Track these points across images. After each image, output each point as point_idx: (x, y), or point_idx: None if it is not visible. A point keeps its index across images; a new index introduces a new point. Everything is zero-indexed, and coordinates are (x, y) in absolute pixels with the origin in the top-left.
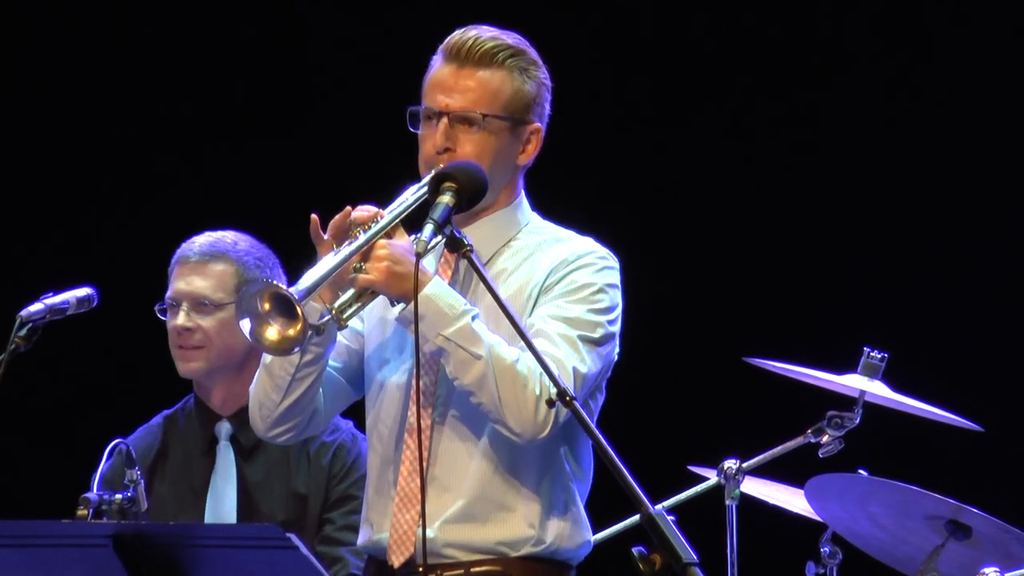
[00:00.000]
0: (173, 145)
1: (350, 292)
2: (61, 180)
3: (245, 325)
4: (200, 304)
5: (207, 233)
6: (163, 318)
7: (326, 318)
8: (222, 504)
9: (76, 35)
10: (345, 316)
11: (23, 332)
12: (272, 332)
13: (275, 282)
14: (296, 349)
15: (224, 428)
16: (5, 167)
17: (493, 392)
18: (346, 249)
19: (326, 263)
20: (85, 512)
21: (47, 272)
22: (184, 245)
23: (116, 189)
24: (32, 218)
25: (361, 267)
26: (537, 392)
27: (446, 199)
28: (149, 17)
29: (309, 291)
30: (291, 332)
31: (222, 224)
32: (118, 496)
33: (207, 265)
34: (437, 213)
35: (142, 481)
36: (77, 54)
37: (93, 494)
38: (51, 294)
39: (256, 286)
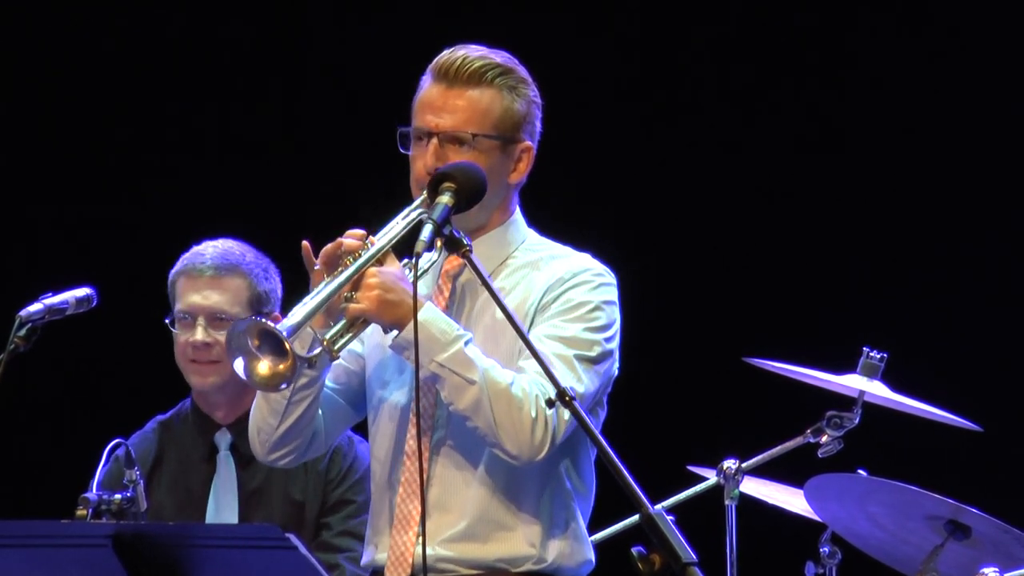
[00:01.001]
0: (173, 145)
1: (342, 322)
2: (61, 180)
3: (238, 365)
4: (217, 319)
5: (208, 244)
6: (174, 331)
7: (317, 350)
8: (224, 514)
9: (77, 35)
10: (337, 347)
11: (22, 332)
12: (263, 368)
13: (263, 320)
14: (285, 386)
15: (225, 438)
16: (5, 167)
17: (488, 416)
18: (336, 280)
19: (315, 296)
20: (84, 512)
21: (47, 272)
22: (190, 258)
23: (116, 189)
24: (32, 218)
25: (352, 296)
26: (533, 414)
27: (445, 199)
28: (150, 18)
29: (297, 327)
30: (281, 368)
31: (221, 224)
32: (117, 496)
33: (222, 279)
34: (436, 213)
35: (141, 481)
36: (78, 54)
37: (92, 494)
38: (50, 294)
39: (244, 324)
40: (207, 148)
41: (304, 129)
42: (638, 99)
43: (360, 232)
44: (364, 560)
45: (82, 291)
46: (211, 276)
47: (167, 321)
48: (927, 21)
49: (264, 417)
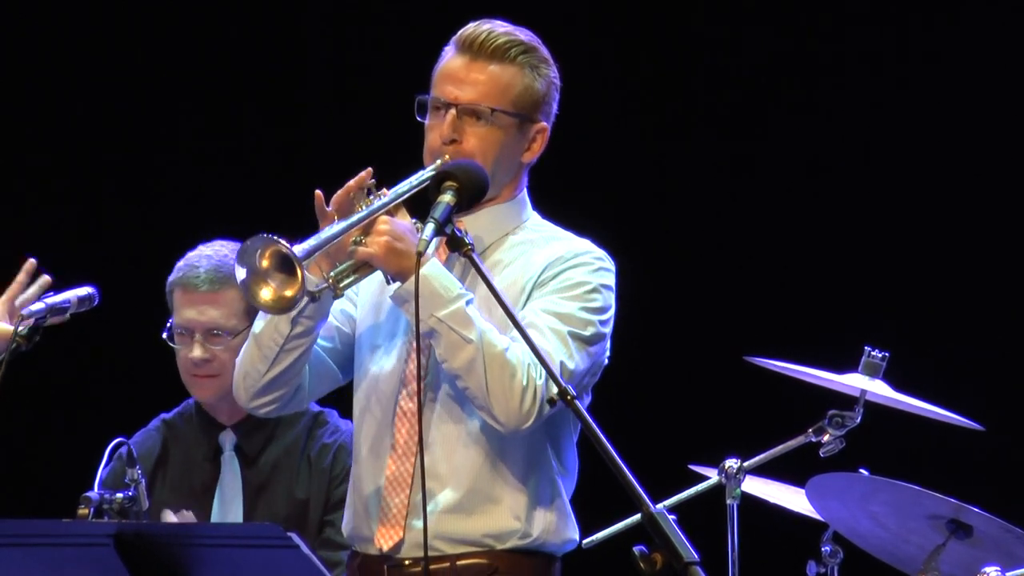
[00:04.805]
0: (174, 143)
1: (348, 262)
2: (61, 179)
3: (240, 273)
4: (214, 334)
5: (203, 252)
6: (172, 345)
7: (323, 286)
8: (229, 513)
9: (77, 34)
10: (342, 285)
11: (24, 331)
12: (267, 291)
13: (277, 239)
14: (290, 310)
15: (229, 438)
16: (5, 167)
17: (481, 378)
18: (349, 219)
19: (328, 230)
20: (86, 511)
21: (47, 271)
22: (185, 268)
23: (117, 188)
24: (32, 217)
25: (361, 240)
26: (524, 383)
27: (447, 198)
28: (150, 15)
29: (310, 252)
30: (288, 292)
31: (221, 223)
32: (119, 495)
33: (218, 293)
34: (438, 212)
35: (143, 480)
36: (78, 53)
37: (94, 493)
38: (52, 293)
39: (258, 241)
40: (209, 146)
41: (305, 126)
42: (644, 93)
43: (361, 176)
44: (345, 526)
45: (84, 290)
46: (206, 291)
47: (164, 336)
48: (919, 26)
49: (253, 362)
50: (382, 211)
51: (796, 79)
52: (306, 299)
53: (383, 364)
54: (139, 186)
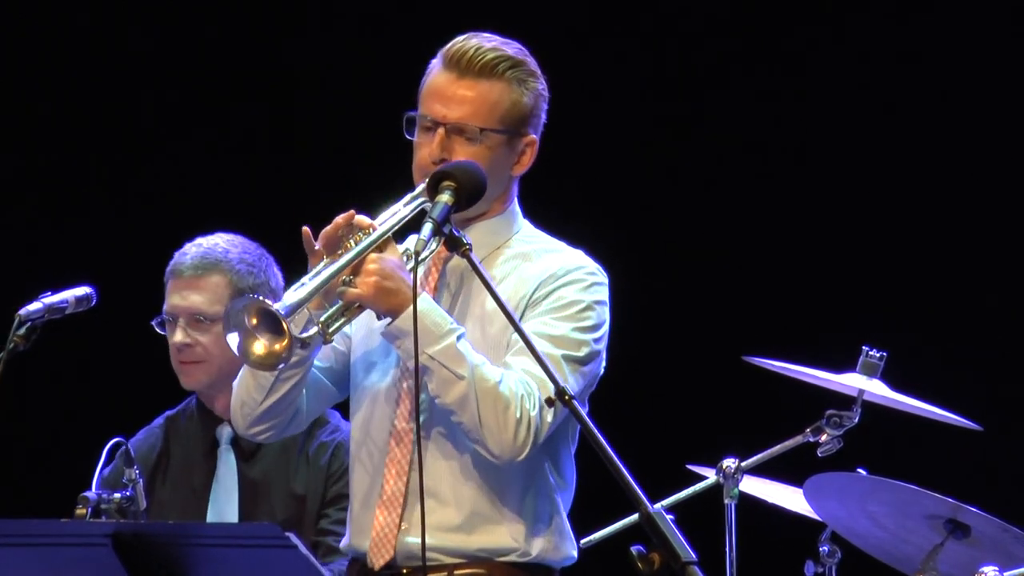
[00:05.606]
0: (173, 143)
1: (337, 305)
2: (60, 178)
3: (233, 339)
4: (196, 320)
5: (198, 241)
6: (161, 332)
7: (312, 331)
8: (224, 507)
9: (76, 35)
10: (332, 330)
11: (22, 331)
12: (259, 347)
13: (261, 298)
14: (281, 365)
15: (225, 432)
16: (4, 166)
17: (474, 413)
18: (336, 263)
19: (315, 277)
20: (84, 511)
21: (47, 271)
22: (176, 256)
23: (116, 187)
24: (31, 217)
25: (350, 280)
26: (518, 415)
27: (445, 198)
28: (149, 17)
29: (295, 307)
30: (277, 347)
31: (221, 222)
32: (117, 495)
33: (201, 279)
34: (436, 212)
35: (141, 480)
36: (76, 54)
37: (92, 493)
38: (49, 293)
39: (243, 302)
40: (208, 144)
41: (305, 127)
42: (640, 95)
43: (350, 213)
44: (344, 543)
45: (81, 290)
46: (190, 276)
47: (154, 324)
48: (915, 27)
49: (249, 391)
50: (370, 249)
51: (794, 79)
52: (297, 347)
53: (377, 387)
54: (138, 186)
